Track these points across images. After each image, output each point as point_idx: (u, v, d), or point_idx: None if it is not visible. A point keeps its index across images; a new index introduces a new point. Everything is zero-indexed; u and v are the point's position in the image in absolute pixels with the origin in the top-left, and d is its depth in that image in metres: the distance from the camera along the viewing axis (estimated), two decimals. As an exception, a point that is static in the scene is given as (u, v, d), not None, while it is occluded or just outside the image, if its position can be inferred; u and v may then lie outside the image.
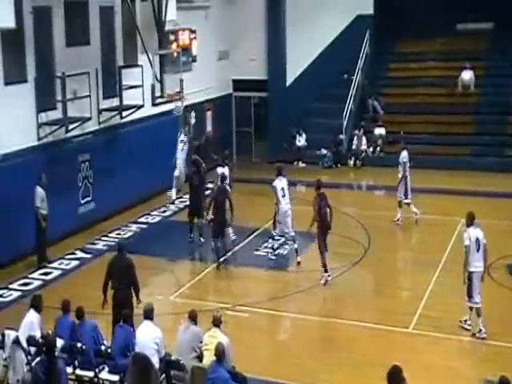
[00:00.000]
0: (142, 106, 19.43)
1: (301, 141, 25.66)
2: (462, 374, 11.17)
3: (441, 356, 11.63)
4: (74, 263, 16.17)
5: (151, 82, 19.48)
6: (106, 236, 17.81)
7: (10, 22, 14.45)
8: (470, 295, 12.17)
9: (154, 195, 20.50)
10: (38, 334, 10.16)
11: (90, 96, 17.81)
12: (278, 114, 25.84)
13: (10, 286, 14.75)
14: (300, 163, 25.44)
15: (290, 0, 25.84)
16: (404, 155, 18.16)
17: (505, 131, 24.26)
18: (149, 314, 10.08)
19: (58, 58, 17.15)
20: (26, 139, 16.33)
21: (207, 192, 18.17)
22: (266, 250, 16.58)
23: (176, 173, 18.01)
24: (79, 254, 16.67)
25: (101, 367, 10.15)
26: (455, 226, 17.36)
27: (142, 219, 19.31)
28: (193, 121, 22.42)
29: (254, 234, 17.73)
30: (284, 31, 26.01)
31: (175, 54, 21.40)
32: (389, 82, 27.43)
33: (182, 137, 18.49)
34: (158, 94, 19.86)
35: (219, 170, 16.91)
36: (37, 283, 14.97)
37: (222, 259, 15.79)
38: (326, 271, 14.63)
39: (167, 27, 20.73)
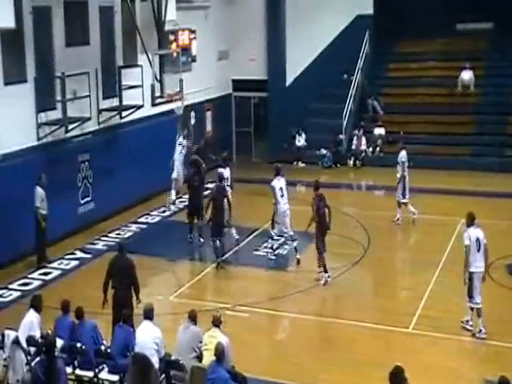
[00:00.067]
0: (141, 106, 19.44)
1: (300, 141, 25.66)
2: (461, 374, 11.16)
3: (441, 356, 11.63)
4: (74, 263, 16.16)
5: (151, 82, 19.46)
6: (106, 236, 17.80)
7: (9, 22, 14.43)
8: (470, 296, 12.16)
9: (154, 195, 20.49)
10: (37, 334, 10.16)
11: (89, 96, 17.81)
12: (278, 113, 25.84)
13: (10, 286, 14.75)
14: (300, 163, 25.43)
15: (290, 0, 25.85)
16: (403, 155, 18.17)
17: (505, 131, 24.25)
18: (149, 314, 10.08)
19: (58, 58, 17.15)
20: (26, 139, 16.32)
21: (206, 192, 18.13)
22: (265, 250, 16.58)
23: (174, 175, 17.95)
24: (79, 254, 16.66)
25: (100, 367, 10.15)
26: (455, 226, 17.36)
27: (142, 219, 19.30)
28: (193, 121, 22.46)
29: (254, 234, 17.73)
30: (284, 31, 26.01)
31: (175, 54, 21.39)
32: (389, 82, 27.42)
33: (181, 139, 18.40)
34: (157, 94, 19.86)
35: (220, 171, 16.85)
36: (36, 283, 14.97)
37: (221, 259, 15.78)
38: (325, 271, 14.63)
39: (167, 27, 20.72)
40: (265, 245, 16.80)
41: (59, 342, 9.72)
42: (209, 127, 25.14)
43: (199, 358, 9.89)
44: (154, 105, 19.92)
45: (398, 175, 18.12)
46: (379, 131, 25.26)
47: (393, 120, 25.47)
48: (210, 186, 18.56)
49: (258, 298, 14.10)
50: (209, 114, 25.13)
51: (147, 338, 9.81)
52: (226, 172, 16.97)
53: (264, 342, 12.75)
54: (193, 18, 23.41)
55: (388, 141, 24.69)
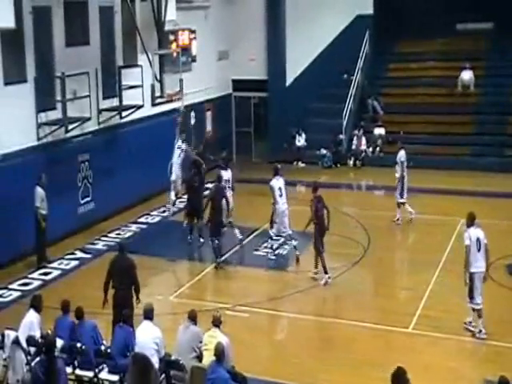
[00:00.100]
0: (141, 106, 19.44)
1: (300, 141, 25.66)
2: (461, 374, 11.15)
3: (441, 356, 11.62)
4: (74, 263, 16.16)
5: (151, 82, 19.49)
6: (106, 236, 17.81)
7: (9, 22, 14.43)
8: (471, 296, 12.14)
9: (154, 195, 20.49)
10: (37, 334, 10.16)
11: (89, 96, 17.81)
12: (278, 113, 25.84)
13: (10, 286, 14.75)
14: (300, 163, 25.44)
15: (290, 0, 25.85)
16: (401, 154, 18.18)
17: (505, 131, 24.25)
18: (148, 314, 10.08)
19: (58, 58, 17.15)
20: (26, 139, 16.32)
21: (205, 192, 18.12)
22: (265, 250, 16.59)
23: (173, 177, 17.83)
24: (79, 254, 16.66)
25: (100, 367, 10.15)
26: (455, 226, 17.36)
27: (142, 219, 19.31)
28: (193, 121, 22.43)
29: (254, 234, 17.73)
30: (284, 31, 26.01)
31: (175, 54, 21.41)
32: (389, 82, 27.42)
33: (180, 143, 18.18)
34: (157, 94, 19.87)
35: (222, 173, 16.82)
36: (36, 283, 14.97)
37: (220, 259, 15.78)
38: (326, 272, 14.63)
39: (167, 27, 20.73)
40: (265, 245, 16.80)
41: (59, 342, 9.72)
42: (209, 127, 25.14)
43: (199, 358, 9.89)
44: (154, 105, 19.94)
45: (397, 175, 18.12)
46: (379, 131, 25.26)
47: (393, 120, 25.47)
48: (209, 186, 18.61)
49: (258, 298, 14.10)
50: (209, 114, 25.13)
51: (147, 338, 9.82)
52: (227, 174, 16.92)
53: (264, 342, 12.75)
54: (193, 17, 23.41)
55: (388, 141, 24.68)
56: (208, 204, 15.92)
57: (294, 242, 15.96)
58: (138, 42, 19.93)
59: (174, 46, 21.68)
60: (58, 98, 16.95)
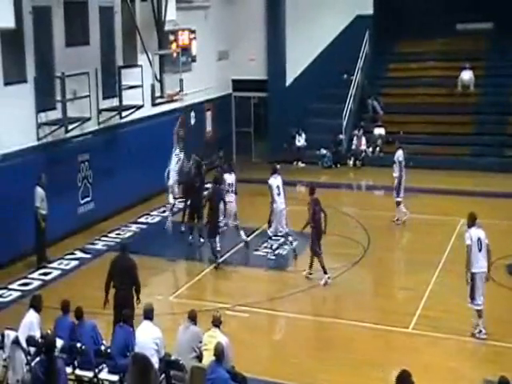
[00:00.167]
0: (141, 106, 19.44)
1: (300, 141, 25.66)
2: (461, 374, 11.15)
3: (440, 356, 11.62)
4: (74, 263, 16.16)
5: (151, 82, 19.49)
6: (106, 236, 17.81)
7: (9, 22, 14.43)
8: (472, 297, 12.11)
9: (154, 195, 20.48)
10: (37, 334, 10.16)
11: (89, 96, 17.81)
12: (278, 114, 25.84)
13: (10, 286, 14.74)
14: (300, 163, 25.44)
15: (290, 0, 25.85)
16: (399, 154, 18.17)
17: (505, 131, 24.26)
18: (148, 314, 10.08)
19: (58, 58, 17.15)
20: (26, 139, 16.32)
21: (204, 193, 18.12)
22: (265, 250, 16.60)
23: (170, 182, 17.77)
24: (79, 254, 16.66)
25: (100, 367, 10.15)
26: (455, 226, 17.37)
27: (142, 219, 19.32)
28: (193, 121, 22.43)
29: (254, 234, 17.72)
30: (284, 31, 26.01)
31: (175, 54, 21.42)
32: (389, 82, 27.42)
33: (178, 151, 18.01)
34: (157, 94, 19.86)
35: (226, 176, 16.81)
36: (36, 283, 14.97)
37: (219, 260, 15.78)
38: (325, 273, 14.63)
39: (167, 27, 20.74)
40: (264, 245, 16.81)
41: (59, 342, 9.72)
42: (209, 127, 25.14)
43: (199, 358, 9.89)
44: (154, 105, 19.93)
45: (395, 175, 18.13)
46: (379, 131, 25.26)
47: (393, 120, 25.47)
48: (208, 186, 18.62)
49: (258, 298, 14.10)
50: (209, 114, 25.13)
51: (147, 338, 9.82)
52: (231, 177, 16.80)
53: (264, 342, 12.75)
54: (193, 18, 23.42)
55: (388, 141, 24.67)
56: (206, 205, 15.93)
57: (290, 238, 16.05)
58: (137, 42, 19.94)
59: (173, 46, 21.70)
60: (58, 98, 16.95)
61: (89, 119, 17.99)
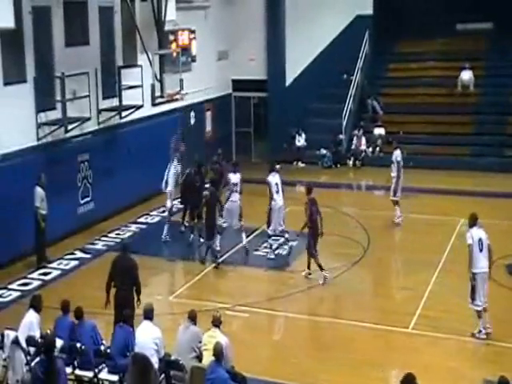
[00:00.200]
0: (141, 106, 19.43)
1: (300, 141, 25.66)
2: (461, 374, 11.15)
3: (440, 356, 11.62)
4: (74, 263, 16.15)
5: (151, 82, 19.47)
6: (106, 236, 17.80)
7: (9, 22, 14.41)
8: (473, 298, 12.09)
9: (154, 195, 20.44)
10: (37, 334, 10.16)
11: (89, 96, 17.80)
12: (278, 114, 25.84)
13: (10, 286, 14.73)
14: (299, 163, 25.44)
15: (290, 0, 25.84)
16: (397, 154, 18.19)
17: (504, 131, 24.26)
18: (148, 314, 10.08)
19: (58, 58, 17.14)
20: (26, 139, 16.32)
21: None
22: (265, 250, 16.59)
23: (168, 188, 17.71)
24: (78, 254, 16.65)
25: (100, 367, 10.14)
26: (454, 226, 17.38)
27: (142, 219, 19.32)
28: (192, 121, 22.41)
29: (254, 234, 17.72)
30: (283, 31, 26.00)
31: (175, 54, 21.39)
32: (388, 82, 27.43)
33: (176, 163, 17.87)
34: (157, 94, 19.85)
35: (231, 176, 16.78)
36: (36, 283, 14.96)
37: (219, 260, 15.79)
38: (321, 269, 14.62)
39: (167, 27, 20.72)
40: (264, 245, 16.80)
41: (59, 342, 9.72)
42: (208, 127, 25.13)
43: (199, 358, 9.89)
44: (153, 105, 19.92)
45: (393, 174, 18.14)
46: (379, 131, 25.26)
47: (393, 120, 25.48)
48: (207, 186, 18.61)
49: (258, 298, 14.10)
50: (209, 114, 25.13)
51: (147, 338, 9.82)
52: (236, 177, 16.71)
53: (263, 342, 12.73)
54: (193, 18, 23.41)
55: (388, 141, 24.65)
56: (203, 207, 15.97)
57: (286, 235, 16.15)
58: (137, 42, 19.93)
59: (173, 46, 21.68)
60: (58, 98, 16.93)
61: (88, 119, 17.98)
